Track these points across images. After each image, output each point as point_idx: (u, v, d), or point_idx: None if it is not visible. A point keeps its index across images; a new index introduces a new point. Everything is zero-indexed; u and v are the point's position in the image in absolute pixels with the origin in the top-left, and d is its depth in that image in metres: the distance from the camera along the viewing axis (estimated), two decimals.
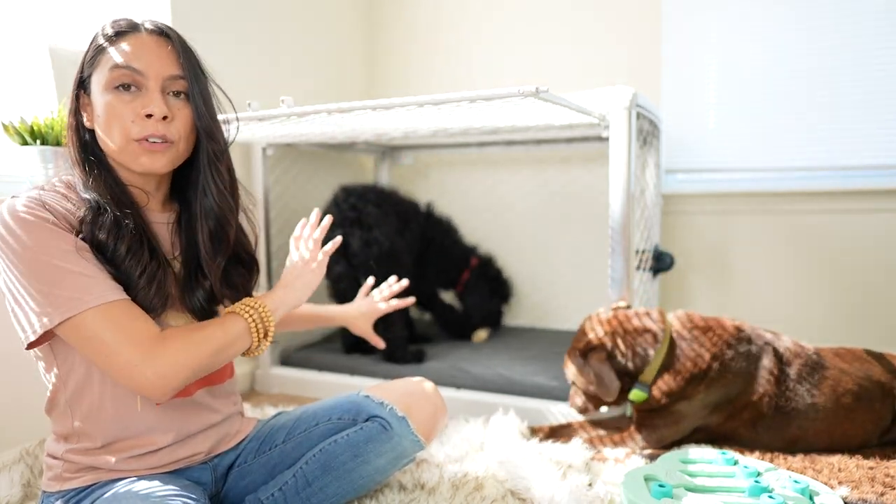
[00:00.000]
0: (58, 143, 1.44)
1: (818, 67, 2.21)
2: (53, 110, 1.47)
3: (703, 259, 2.41)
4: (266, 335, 1.03)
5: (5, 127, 1.42)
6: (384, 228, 2.14)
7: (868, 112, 2.17)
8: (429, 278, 2.38)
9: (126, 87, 0.94)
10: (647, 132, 1.95)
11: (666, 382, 1.49)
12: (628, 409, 1.66)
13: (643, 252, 1.92)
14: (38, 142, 1.42)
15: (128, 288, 0.92)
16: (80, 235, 0.90)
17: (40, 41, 1.62)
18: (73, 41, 1.73)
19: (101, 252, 0.91)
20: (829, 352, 1.54)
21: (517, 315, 2.71)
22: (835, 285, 2.24)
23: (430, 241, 2.37)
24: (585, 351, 1.55)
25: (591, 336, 1.57)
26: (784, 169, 2.31)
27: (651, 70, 2.42)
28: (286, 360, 2.23)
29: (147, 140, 0.94)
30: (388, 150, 2.79)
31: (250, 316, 1.00)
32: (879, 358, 1.53)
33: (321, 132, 1.96)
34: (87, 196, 0.94)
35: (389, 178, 2.83)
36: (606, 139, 1.69)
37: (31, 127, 1.42)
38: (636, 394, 1.52)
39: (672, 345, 1.52)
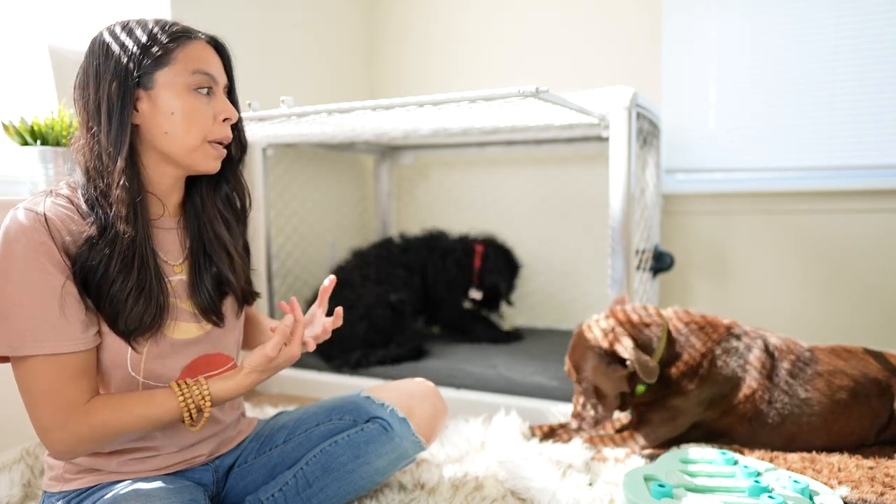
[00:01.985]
0: (58, 144, 1.44)
1: (818, 68, 2.21)
2: (53, 110, 1.47)
3: (703, 259, 2.41)
4: (201, 413, 0.95)
5: (5, 127, 1.42)
6: (383, 316, 2.18)
7: (868, 112, 2.17)
8: (445, 292, 2.37)
9: (205, 90, 0.97)
10: (647, 132, 1.95)
11: (667, 375, 1.50)
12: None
13: (643, 252, 1.92)
14: (38, 142, 1.43)
15: (118, 311, 0.90)
16: (73, 263, 0.88)
17: (40, 41, 1.62)
18: (73, 41, 1.73)
19: (90, 278, 0.89)
20: (824, 349, 1.55)
21: (517, 315, 2.71)
22: (834, 285, 2.24)
23: (423, 265, 2.37)
24: (611, 345, 1.48)
25: (609, 333, 1.51)
26: (784, 169, 2.31)
27: (651, 70, 2.42)
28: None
29: (220, 143, 1.00)
30: (388, 150, 2.80)
31: (184, 399, 0.93)
32: (877, 356, 1.54)
33: (321, 132, 1.96)
34: (94, 212, 0.91)
35: (389, 177, 2.83)
36: (606, 139, 1.69)
37: (32, 127, 1.43)
38: (639, 387, 1.52)
39: (670, 338, 1.52)
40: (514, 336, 2.43)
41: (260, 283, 2.17)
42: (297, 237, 2.43)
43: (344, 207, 2.75)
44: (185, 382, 0.94)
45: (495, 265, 2.40)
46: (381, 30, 2.88)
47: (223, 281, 1.06)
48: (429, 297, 2.38)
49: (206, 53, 0.99)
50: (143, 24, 0.96)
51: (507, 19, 2.63)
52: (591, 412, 1.54)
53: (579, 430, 1.56)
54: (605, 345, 1.50)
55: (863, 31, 2.15)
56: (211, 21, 2.04)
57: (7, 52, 1.62)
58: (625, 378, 1.50)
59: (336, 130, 1.94)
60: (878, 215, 2.18)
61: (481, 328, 2.41)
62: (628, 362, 1.45)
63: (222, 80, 1.00)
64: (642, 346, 1.50)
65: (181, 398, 0.92)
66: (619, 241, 1.67)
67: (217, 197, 1.07)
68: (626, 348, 1.45)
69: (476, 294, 2.43)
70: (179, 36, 0.96)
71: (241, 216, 1.12)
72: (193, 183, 1.06)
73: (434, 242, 2.42)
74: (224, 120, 0.99)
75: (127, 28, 0.95)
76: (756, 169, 2.34)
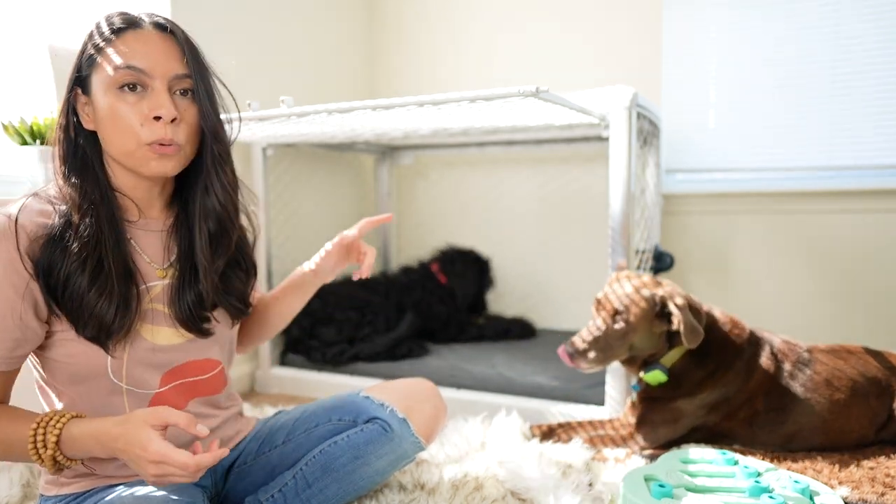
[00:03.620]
0: None
1: (817, 67, 2.21)
2: (53, 110, 1.47)
3: (703, 259, 2.41)
4: (54, 459, 0.85)
5: (5, 127, 1.43)
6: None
7: (867, 112, 2.17)
8: (438, 325, 2.41)
9: (132, 87, 0.89)
10: (647, 132, 1.95)
11: (686, 367, 1.49)
12: (634, 395, 1.60)
13: (643, 252, 1.92)
14: (37, 142, 1.43)
15: (78, 312, 0.88)
16: (36, 267, 0.87)
17: (40, 41, 1.62)
18: (73, 41, 1.72)
19: (50, 276, 0.87)
20: (823, 349, 1.55)
21: (516, 314, 2.71)
22: (834, 285, 2.24)
23: (414, 304, 2.40)
24: (667, 297, 1.45)
25: (666, 285, 1.49)
26: (784, 169, 2.31)
27: (651, 70, 2.42)
28: (286, 360, 2.23)
29: (158, 144, 0.90)
30: (388, 150, 2.79)
31: (34, 432, 0.84)
32: (876, 355, 1.54)
33: (321, 132, 1.96)
34: (60, 209, 0.90)
35: (389, 177, 2.83)
36: (606, 139, 1.69)
37: (31, 127, 1.43)
38: (656, 375, 1.49)
39: (714, 326, 1.51)
40: (522, 323, 2.46)
41: (260, 283, 2.17)
42: (297, 237, 2.43)
43: (344, 207, 2.74)
44: (54, 413, 0.86)
45: (461, 275, 2.46)
46: (381, 29, 2.88)
47: (204, 297, 1.00)
48: (424, 326, 2.40)
49: (141, 43, 0.90)
50: (96, 23, 0.94)
51: (507, 19, 2.63)
52: (594, 353, 1.48)
53: (571, 356, 1.50)
54: (660, 293, 1.47)
55: (863, 31, 2.15)
56: (210, 21, 2.04)
57: (7, 52, 1.62)
58: (661, 337, 1.49)
59: (336, 130, 1.93)
60: (878, 215, 2.17)
61: (487, 328, 2.44)
62: (675, 322, 1.43)
63: (165, 71, 0.90)
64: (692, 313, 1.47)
65: (32, 429, 0.84)
66: (619, 241, 1.67)
67: (204, 208, 0.99)
68: (679, 306, 1.43)
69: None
70: (119, 28, 0.91)
71: (227, 233, 1.02)
72: (189, 190, 1.01)
73: (410, 278, 2.45)
74: (156, 119, 0.89)
75: (91, 27, 0.94)
76: (756, 169, 2.34)
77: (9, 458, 0.88)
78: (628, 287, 1.51)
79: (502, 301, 2.70)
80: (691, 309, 1.47)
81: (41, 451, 0.84)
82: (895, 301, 2.16)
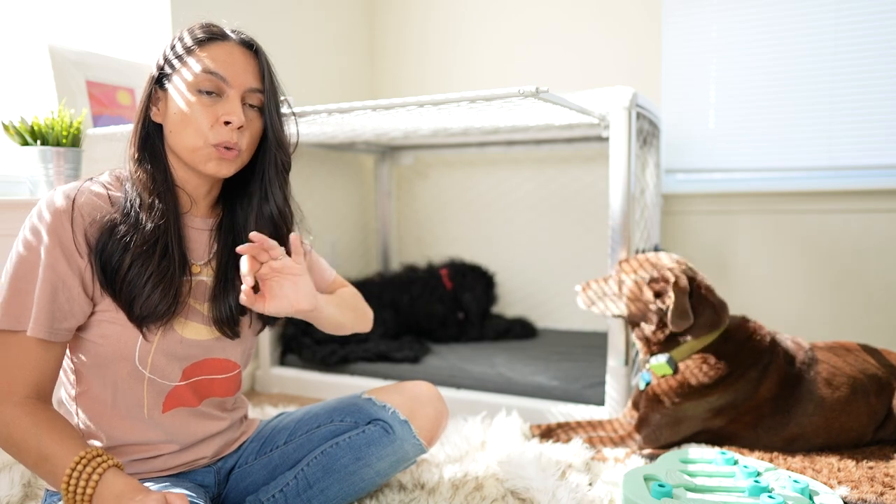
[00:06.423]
0: (58, 143, 1.44)
1: (817, 68, 2.21)
2: (53, 110, 1.47)
3: (703, 259, 2.41)
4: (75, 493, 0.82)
5: (5, 127, 1.43)
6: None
7: (867, 112, 2.17)
8: (437, 325, 2.42)
9: (209, 92, 0.96)
10: (647, 132, 1.95)
11: (697, 368, 1.49)
12: (642, 383, 1.58)
13: (643, 252, 1.92)
14: (38, 142, 1.43)
15: (134, 296, 0.91)
16: (92, 249, 0.90)
17: (40, 41, 1.63)
18: (73, 41, 1.73)
19: (108, 261, 0.90)
20: (823, 347, 1.55)
21: (517, 315, 2.71)
22: (834, 285, 2.24)
23: (410, 303, 2.40)
24: (664, 278, 1.50)
25: (674, 269, 1.52)
26: (784, 169, 2.31)
27: (651, 70, 2.42)
28: (286, 360, 2.23)
29: (222, 147, 0.96)
30: (388, 150, 2.80)
31: (75, 466, 0.82)
32: (874, 352, 1.54)
33: (321, 132, 1.96)
34: (119, 195, 0.95)
35: (389, 177, 2.83)
36: (606, 139, 1.69)
37: (32, 127, 1.43)
38: (662, 366, 1.49)
39: (744, 328, 1.53)
40: (522, 323, 2.47)
41: None
42: None
43: (344, 207, 2.75)
44: (98, 455, 0.83)
45: (471, 289, 2.47)
46: (382, 30, 2.88)
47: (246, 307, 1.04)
48: (420, 325, 2.41)
49: (227, 55, 0.97)
50: (188, 28, 1.00)
51: (508, 19, 2.63)
52: (587, 294, 1.65)
53: (584, 289, 1.66)
54: (655, 273, 1.53)
55: (863, 31, 2.15)
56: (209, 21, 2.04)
57: (7, 52, 1.62)
58: (649, 309, 1.52)
59: (336, 130, 1.93)
60: (878, 215, 2.18)
61: (487, 328, 2.44)
62: (665, 302, 1.48)
63: (242, 83, 0.98)
64: (706, 307, 1.50)
65: (70, 471, 0.81)
66: (619, 241, 1.67)
67: (261, 216, 1.05)
68: (676, 282, 1.48)
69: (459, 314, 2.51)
70: (209, 38, 0.98)
71: (283, 239, 1.07)
72: (241, 194, 1.06)
73: (412, 276, 2.47)
74: (226, 123, 0.96)
75: (178, 33, 1.00)
76: (756, 169, 2.34)
77: (34, 471, 0.88)
78: (648, 257, 1.60)
79: (502, 301, 2.70)
80: (700, 296, 1.50)
81: (70, 497, 0.82)
82: (894, 300, 2.17)
